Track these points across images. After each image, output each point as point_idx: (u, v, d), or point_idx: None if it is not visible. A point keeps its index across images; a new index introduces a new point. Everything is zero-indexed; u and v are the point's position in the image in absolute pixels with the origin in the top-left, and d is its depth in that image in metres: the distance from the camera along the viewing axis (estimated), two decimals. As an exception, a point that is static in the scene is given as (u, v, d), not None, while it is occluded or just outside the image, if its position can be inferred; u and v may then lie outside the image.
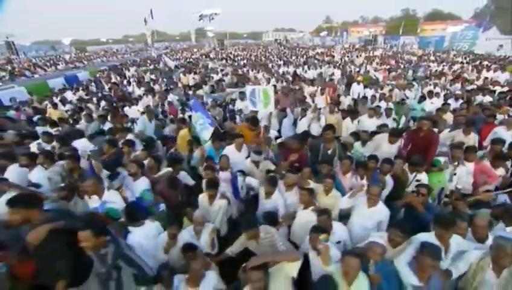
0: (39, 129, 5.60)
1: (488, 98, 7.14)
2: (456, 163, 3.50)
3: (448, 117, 5.34)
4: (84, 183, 2.66)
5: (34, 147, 4.42)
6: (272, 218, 2.82)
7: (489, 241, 2.15)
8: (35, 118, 7.62)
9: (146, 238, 2.41)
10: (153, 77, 13.42)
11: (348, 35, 56.15)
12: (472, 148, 3.51)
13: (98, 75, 16.24)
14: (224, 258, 2.61)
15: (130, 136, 4.40)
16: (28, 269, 2.34)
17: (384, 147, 3.65)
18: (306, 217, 2.75)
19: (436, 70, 13.52)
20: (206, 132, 4.38)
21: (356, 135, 4.24)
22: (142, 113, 6.55)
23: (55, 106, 8.11)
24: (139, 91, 9.84)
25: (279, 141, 4.43)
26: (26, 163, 3.65)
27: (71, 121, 6.64)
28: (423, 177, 3.30)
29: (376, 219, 2.63)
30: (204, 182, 3.35)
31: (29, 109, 8.80)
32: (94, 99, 9.19)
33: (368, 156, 3.38)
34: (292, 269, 1.85)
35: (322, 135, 3.67)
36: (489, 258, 2.04)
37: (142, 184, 3.16)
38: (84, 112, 7.18)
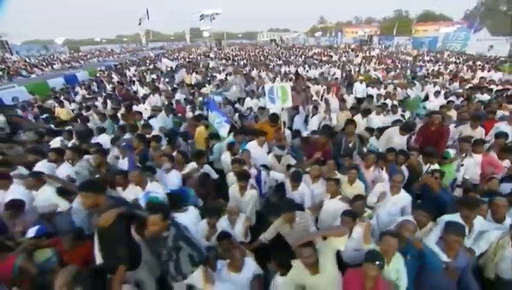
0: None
1: (486, 96, 7.49)
2: (464, 155, 3.76)
3: (452, 114, 5.64)
4: (130, 174, 2.80)
5: (56, 143, 4.51)
6: (298, 208, 3.01)
7: (508, 221, 2.38)
8: (42, 117, 7.69)
9: (190, 223, 2.56)
10: (154, 76, 13.46)
11: (343, 35, 56.77)
12: (480, 141, 3.76)
13: (98, 75, 16.18)
14: (257, 245, 2.77)
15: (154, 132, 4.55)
16: (80, 255, 2.47)
17: (396, 139, 3.90)
18: (334, 206, 2.94)
19: (433, 70, 13.94)
20: (223, 129, 4.56)
21: (370, 130, 4.47)
22: (153, 111, 6.69)
23: (61, 104, 8.14)
24: (143, 90, 9.91)
25: (304, 135, 4.60)
26: (55, 158, 3.76)
27: (79, 120, 6.71)
28: (436, 168, 3.54)
29: (400, 204, 2.84)
30: (229, 175, 3.52)
31: (34, 108, 8.79)
32: (99, 98, 9.21)
33: (387, 149, 3.60)
34: (340, 243, 2.04)
35: (343, 130, 3.88)
36: (508, 237, 2.27)
37: (174, 177, 3.31)
38: (90, 111, 7.27)
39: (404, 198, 2.86)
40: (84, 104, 8.33)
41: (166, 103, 7.72)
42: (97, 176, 3.40)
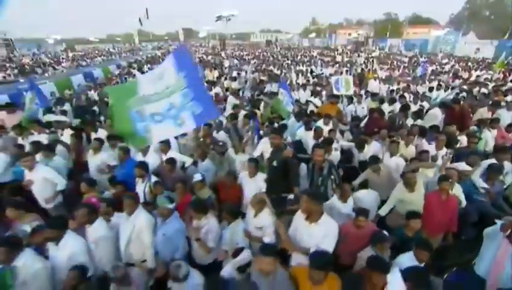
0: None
1: (484, 90, 8.82)
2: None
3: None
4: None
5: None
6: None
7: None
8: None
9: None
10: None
11: (336, 37, 58.44)
12: (496, 120, 4.93)
13: (118, 72, 16.83)
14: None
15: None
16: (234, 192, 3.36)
17: (439, 117, 5.18)
18: (395, 161, 3.99)
19: (432, 70, 15.37)
20: (288, 108, 5.56)
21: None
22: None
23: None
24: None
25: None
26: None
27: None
28: (463, 139, 4.69)
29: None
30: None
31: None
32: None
33: (429, 126, 4.73)
34: (429, 172, 3.09)
35: (400, 111, 5.14)
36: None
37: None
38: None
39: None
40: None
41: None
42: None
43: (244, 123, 4.65)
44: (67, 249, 2.35)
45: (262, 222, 2.56)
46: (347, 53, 27.85)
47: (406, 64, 18.15)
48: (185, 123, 2.33)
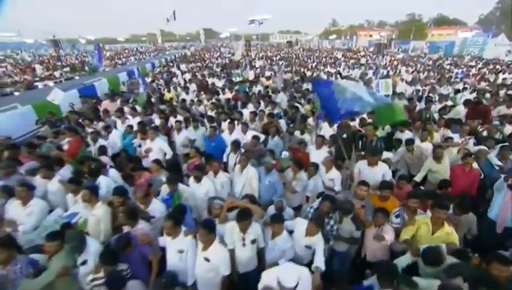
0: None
1: (510, 92, 9.42)
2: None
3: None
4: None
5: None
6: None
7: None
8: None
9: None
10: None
11: (357, 38, 58.08)
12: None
13: (159, 70, 18.54)
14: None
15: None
16: (305, 157, 4.55)
17: (461, 113, 6.10)
18: (425, 146, 4.95)
19: (456, 73, 15.77)
20: None
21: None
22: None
23: (168, 89, 10.39)
24: (219, 83, 12.10)
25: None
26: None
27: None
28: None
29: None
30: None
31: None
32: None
33: (455, 120, 5.67)
34: (454, 150, 4.10)
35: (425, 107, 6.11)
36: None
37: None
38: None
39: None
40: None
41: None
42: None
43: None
44: (204, 187, 3.61)
45: (332, 176, 3.71)
46: (369, 55, 28.25)
47: (430, 67, 18.55)
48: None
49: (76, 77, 18.84)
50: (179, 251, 2.66)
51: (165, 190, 3.55)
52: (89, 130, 5.74)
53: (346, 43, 57.40)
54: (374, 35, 57.94)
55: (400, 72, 15.43)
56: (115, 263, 2.61)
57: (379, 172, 3.73)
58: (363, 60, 22.47)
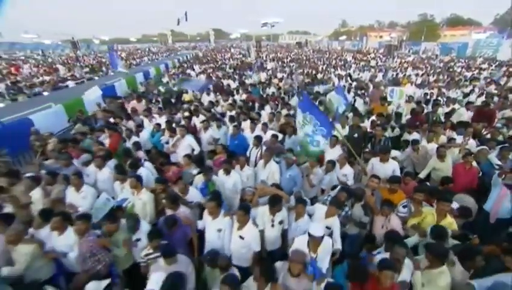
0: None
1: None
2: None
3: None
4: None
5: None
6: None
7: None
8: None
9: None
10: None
11: (367, 39, 57.67)
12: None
13: (173, 71, 19.28)
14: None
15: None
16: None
17: (464, 115, 6.49)
18: (430, 147, 5.35)
19: (464, 76, 15.81)
20: (340, 109, 7.08)
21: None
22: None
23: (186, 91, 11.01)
24: (234, 84, 12.67)
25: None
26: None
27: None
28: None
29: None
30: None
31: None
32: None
33: (458, 122, 6.06)
34: (456, 151, 4.53)
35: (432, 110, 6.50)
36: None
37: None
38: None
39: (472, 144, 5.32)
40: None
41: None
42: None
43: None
44: (232, 179, 4.16)
45: (346, 172, 4.21)
46: (379, 57, 28.33)
47: (440, 70, 18.55)
48: (320, 143, 4.23)
49: (96, 77, 19.74)
50: (218, 229, 3.20)
51: (199, 180, 4.11)
52: (123, 127, 6.39)
53: (356, 44, 56.91)
54: (384, 36, 57.50)
55: (409, 76, 15.56)
56: (160, 240, 3.18)
57: (389, 168, 4.25)
58: (373, 62, 22.67)
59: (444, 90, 10.88)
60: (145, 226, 3.39)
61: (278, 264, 2.69)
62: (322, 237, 2.63)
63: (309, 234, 2.62)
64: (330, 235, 3.14)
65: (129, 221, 3.30)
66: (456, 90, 11.04)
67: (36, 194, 4.05)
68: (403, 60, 24.22)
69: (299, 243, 2.73)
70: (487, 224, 3.71)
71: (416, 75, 15.59)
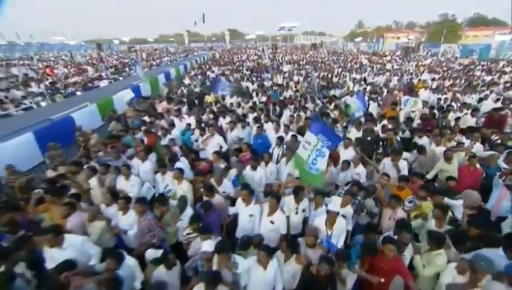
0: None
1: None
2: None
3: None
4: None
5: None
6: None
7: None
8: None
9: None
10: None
11: (384, 41, 56.48)
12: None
13: (193, 73, 20.18)
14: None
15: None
16: (335, 155, 5.61)
17: (469, 120, 6.91)
18: (438, 150, 5.73)
19: (483, 80, 15.57)
20: (357, 113, 7.55)
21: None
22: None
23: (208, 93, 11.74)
24: (252, 86, 13.28)
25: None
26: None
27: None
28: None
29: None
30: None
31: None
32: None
33: (467, 127, 6.42)
34: (462, 154, 4.96)
35: (442, 116, 6.88)
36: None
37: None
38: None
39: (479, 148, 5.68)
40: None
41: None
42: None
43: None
44: (258, 174, 4.78)
45: (359, 171, 4.75)
46: (395, 60, 28.03)
47: (458, 74, 17.86)
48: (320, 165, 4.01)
49: (120, 78, 20.92)
50: (250, 215, 3.84)
51: (232, 173, 4.78)
52: (158, 126, 7.17)
53: (372, 46, 55.68)
54: (402, 37, 56.35)
55: (425, 80, 15.49)
56: (199, 224, 3.83)
57: (401, 166, 4.80)
58: (388, 66, 22.67)
59: (458, 95, 11.00)
60: (189, 211, 4.07)
61: (300, 239, 3.36)
62: (338, 213, 3.29)
63: (327, 211, 3.27)
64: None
65: (180, 202, 4.01)
66: (472, 95, 11.13)
67: (93, 181, 4.85)
68: (420, 63, 23.97)
69: (318, 222, 3.39)
70: (488, 221, 4.14)
71: (433, 79, 15.59)
